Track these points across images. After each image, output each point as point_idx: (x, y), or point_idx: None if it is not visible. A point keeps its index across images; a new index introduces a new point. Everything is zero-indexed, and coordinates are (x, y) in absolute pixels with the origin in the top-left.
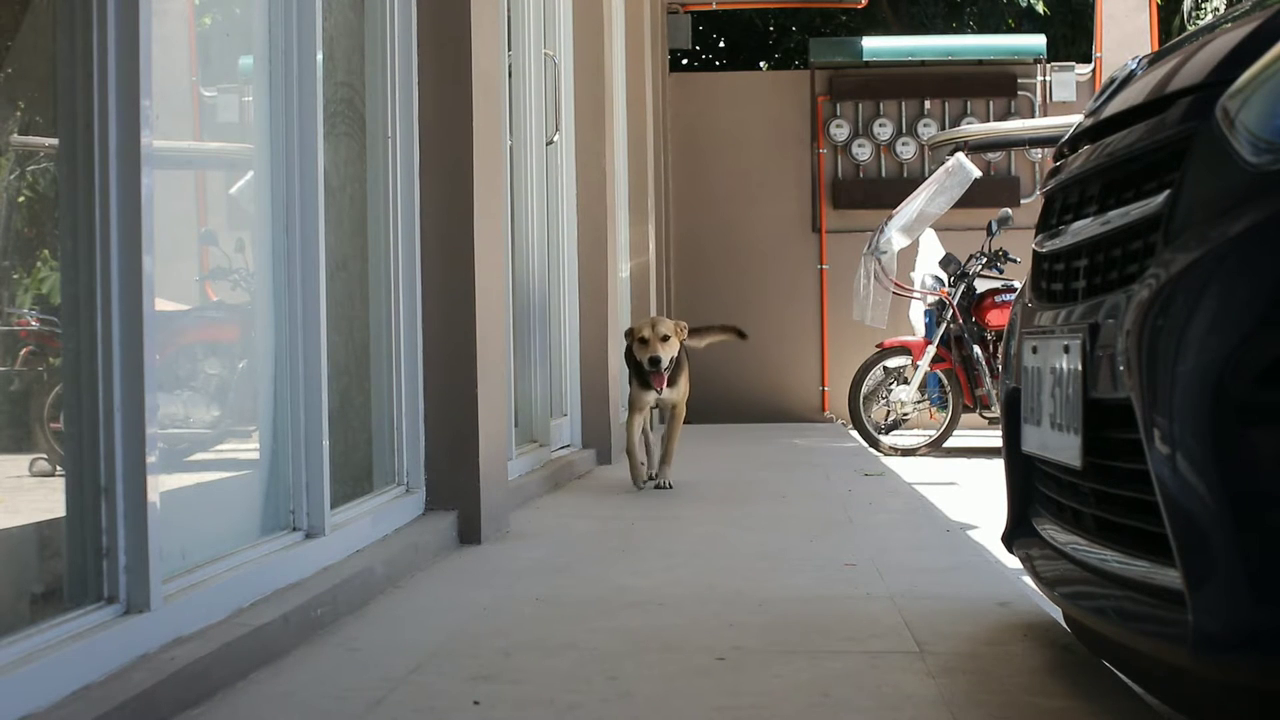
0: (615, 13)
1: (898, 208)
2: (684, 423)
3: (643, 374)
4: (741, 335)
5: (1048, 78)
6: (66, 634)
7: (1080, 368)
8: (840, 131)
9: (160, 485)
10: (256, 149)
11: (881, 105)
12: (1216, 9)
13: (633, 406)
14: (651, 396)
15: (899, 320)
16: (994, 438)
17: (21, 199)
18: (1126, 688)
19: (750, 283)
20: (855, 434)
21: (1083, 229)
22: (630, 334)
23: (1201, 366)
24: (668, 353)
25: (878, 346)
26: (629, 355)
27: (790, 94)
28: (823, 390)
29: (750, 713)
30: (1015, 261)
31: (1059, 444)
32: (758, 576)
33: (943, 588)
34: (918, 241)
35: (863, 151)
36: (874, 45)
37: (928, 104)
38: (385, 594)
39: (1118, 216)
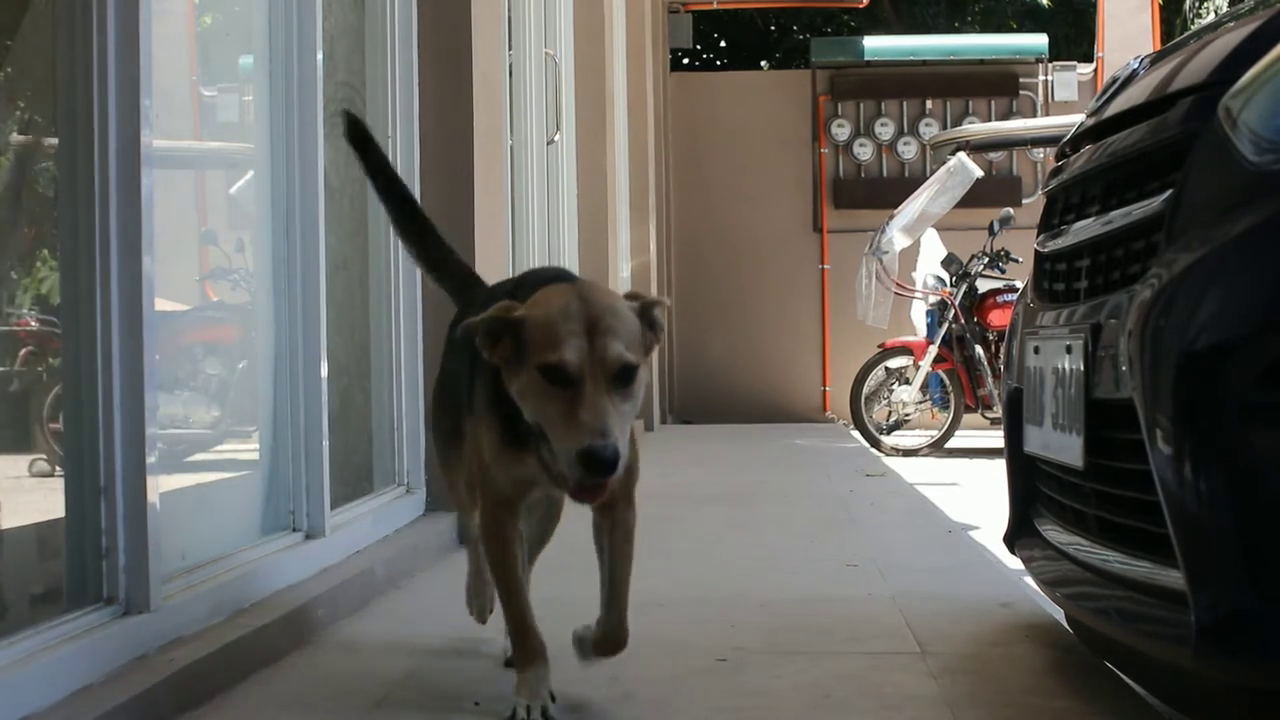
0: (616, 12)
1: (899, 207)
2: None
3: (511, 426)
4: None
5: (1049, 77)
6: (66, 634)
7: (1082, 368)
8: (841, 131)
9: (160, 486)
10: (256, 149)
11: (883, 105)
12: (1218, 8)
13: (491, 496)
14: (530, 472)
15: (901, 320)
16: (996, 438)
17: (21, 198)
18: (1129, 688)
19: (751, 283)
20: (857, 434)
21: (1085, 229)
22: (488, 331)
23: (1204, 367)
24: (627, 412)
25: (879, 346)
26: (458, 378)
27: (791, 93)
28: (824, 390)
29: (751, 714)
30: (1017, 261)
31: (1061, 444)
32: (759, 577)
33: (944, 588)
34: (919, 241)
35: (864, 151)
36: (875, 45)
37: (929, 104)
38: (385, 595)
39: (1120, 216)
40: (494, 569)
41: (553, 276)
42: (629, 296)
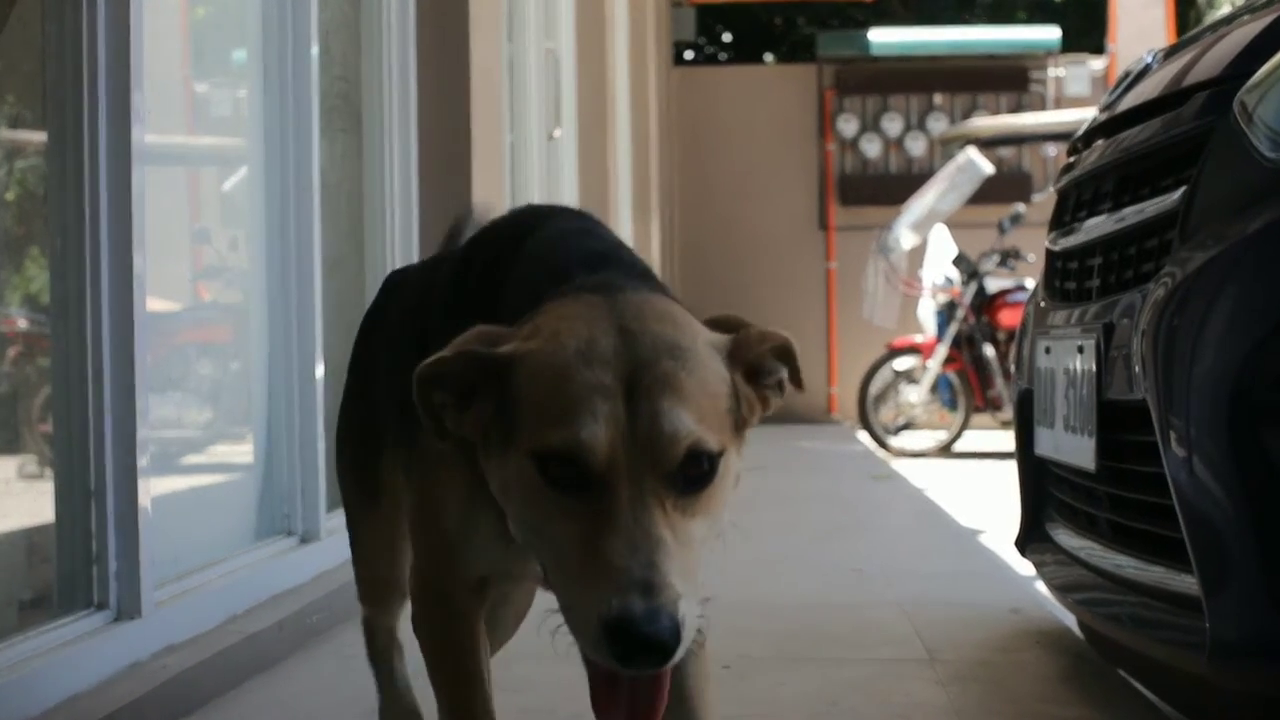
0: (618, 5)
1: (906, 203)
2: None
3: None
4: None
5: (1060, 71)
6: (56, 641)
7: (1094, 369)
8: (848, 126)
9: (151, 489)
10: (250, 144)
11: (890, 99)
12: (1233, 1)
13: (442, 575)
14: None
15: (909, 319)
16: (1006, 440)
17: (10, 196)
18: (1141, 696)
19: (756, 281)
20: (863, 436)
21: (1097, 226)
22: (447, 383)
23: (1219, 368)
24: (696, 539)
25: (887, 347)
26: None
27: (797, 88)
28: (830, 392)
29: None
30: (1027, 260)
31: (1072, 447)
32: (764, 582)
33: (953, 594)
34: (928, 238)
35: (871, 147)
36: (883, 38)
37: (937, 98)
38: None
39: (1133, 213)
40: (447, 694)
41: (578, 261)
42: (717, 324)
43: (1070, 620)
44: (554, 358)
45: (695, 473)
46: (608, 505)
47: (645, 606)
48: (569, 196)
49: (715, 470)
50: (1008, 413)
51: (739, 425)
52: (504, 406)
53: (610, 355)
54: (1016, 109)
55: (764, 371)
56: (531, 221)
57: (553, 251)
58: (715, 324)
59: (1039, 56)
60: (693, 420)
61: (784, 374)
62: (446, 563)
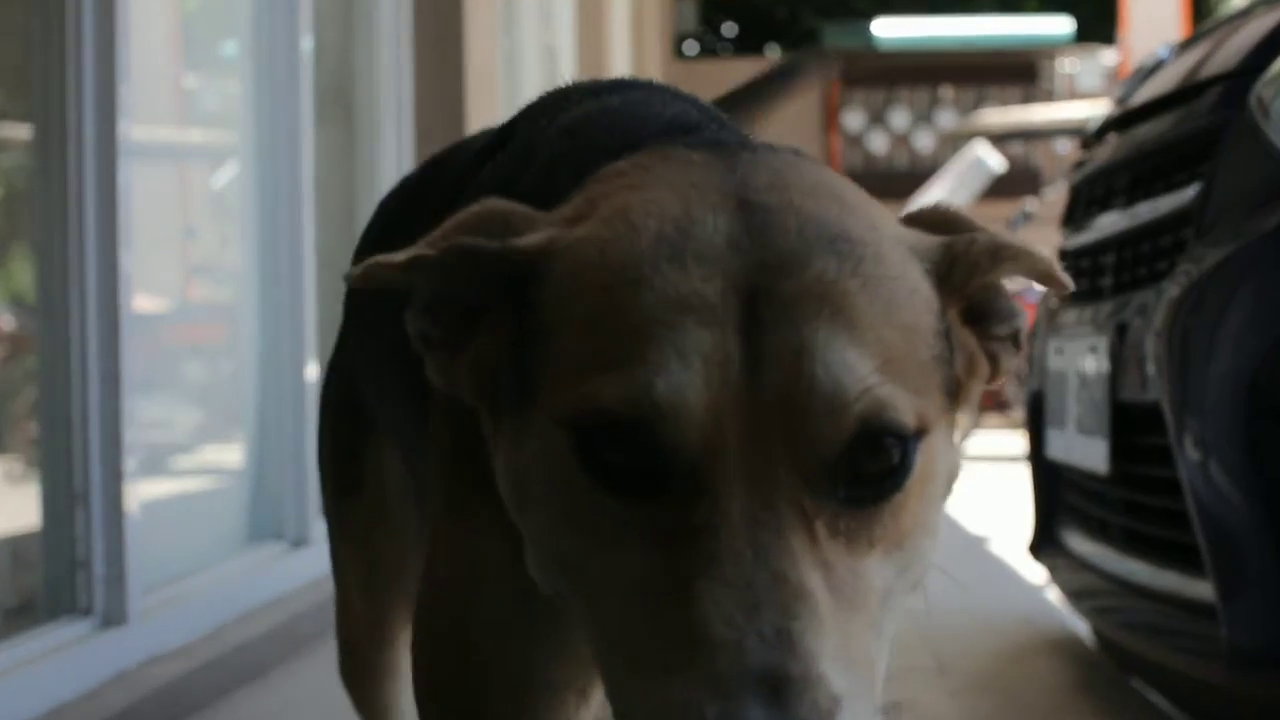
0: None
1: (911, 199)
2: None
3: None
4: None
5: (1072, 64)
6: (41, 649)
7: (1107, 369)
8: (854, 120)
9: (139, 493)
10: (241, 139)
11: (897, 92)
12: None
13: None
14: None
15: None
16: (1016, 443)
17: None
18: (1156, 706)
19: None
20: None
21: (1110, 223)
22: (432, 301)
23: (1236, 368)
24: (875, 590)
25: None
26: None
27: None
28: None
29: None
30: None
31: (1085, 450)
32: None
33: (963, 601)
34: None
35: (877, 141)
36: (888, 31)
37: (945, 90)
38: None
39: (1147, 209)
40: None
41: (652, 130)
42: (916, 221)
43: (1083, 628)
44: (615, 250)
45: (875, 468)
46: (705, 521)
47: (769, 718)
48: None
49: (909, 463)
50: (1018, 414)
51: (953, 390)
52: (524, 341)
53: (720, 245)
54: (1026, 101)
55: (993, 312)
56: (572, 97)
57: (600, 125)
58: (914, 221)
59: (1049, 49)
60: (871, 366)
61: (1021, 321)
62: (472, 679)
